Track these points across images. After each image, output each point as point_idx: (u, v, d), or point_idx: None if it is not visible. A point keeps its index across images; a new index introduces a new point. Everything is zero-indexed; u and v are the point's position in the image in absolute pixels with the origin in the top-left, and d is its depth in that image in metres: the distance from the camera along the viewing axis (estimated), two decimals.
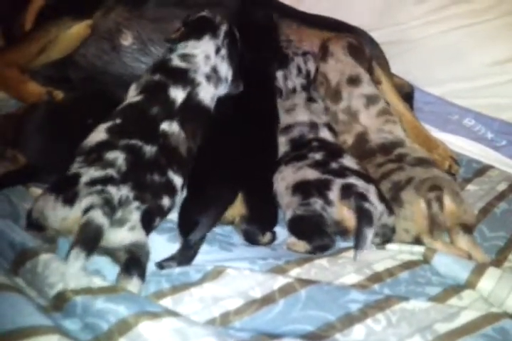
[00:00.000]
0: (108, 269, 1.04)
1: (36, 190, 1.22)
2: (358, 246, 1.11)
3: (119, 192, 1.07)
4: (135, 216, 1.06)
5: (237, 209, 1.17)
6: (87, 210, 1.00)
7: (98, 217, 0.99)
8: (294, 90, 1.56)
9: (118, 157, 1.13)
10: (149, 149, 1.18)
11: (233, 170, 1.23)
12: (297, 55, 1.64)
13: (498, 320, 1.00)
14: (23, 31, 1.66)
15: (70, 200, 1.03)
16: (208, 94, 1.35)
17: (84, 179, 1.07)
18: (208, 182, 1.22)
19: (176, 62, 1.38)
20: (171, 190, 1.17)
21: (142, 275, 1.00)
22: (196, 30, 1.45)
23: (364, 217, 1.13)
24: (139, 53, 1.65)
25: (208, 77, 1.37)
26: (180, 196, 1.21)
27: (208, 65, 1.39)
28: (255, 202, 1.20)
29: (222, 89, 1.42)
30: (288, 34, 1.72)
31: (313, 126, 1.42)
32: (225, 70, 1.42)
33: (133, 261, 1.00)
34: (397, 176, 1.28)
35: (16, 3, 1.71)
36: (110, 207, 1.02)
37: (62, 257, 0.99)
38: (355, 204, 1.15)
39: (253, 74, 1.49)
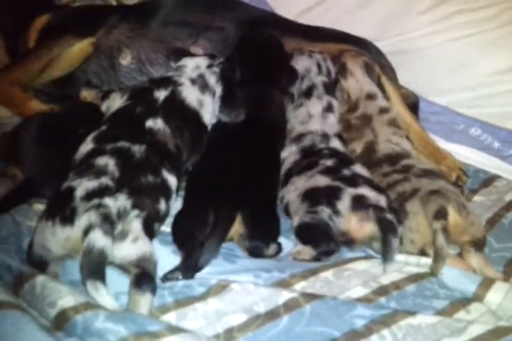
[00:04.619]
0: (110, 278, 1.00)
1: (39, 206, 1.22)
2: (387, 257, 1.11)
3: (117, 202, 1.04)
4: (136, 225, 1.03)
5: (235, 228, 1.16)
6: (86, 231, 0.98)
7: (99, 239, 0.96)
8: (309, 90, 1.52)
9: (108, 163, 1.11)
10: (138, 149, 1.16)
11: (232, 190, 1.21)
12: (314, 52, 1.62)
13: (506, 334, 0.98)
14: (27, 49, 1.67)
15: (69, 218, 1.01)
16: (191, 94, 1.37)
17: (79, 192, 1.05)
18: (207, 202, 1.19)
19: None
20: (166, 191, 1.15)
21: (154, 290, 0.98)
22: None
23: (389, 228, 1.13)
24: (135, 72, 1.66)
25: (193, 81, 1.41)
26: (175, 201, 1.19)
27: (195, 72, 1.43)
28: (254, 219, 1.18)
29: (212, 103, 1.41)
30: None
31: (325, 136, 1.41)
32: (213, 82, 1.44)
33: (144, 277, 0.98)
34: (402, 187, 1.27)
35: (20, 21, 1.72)
36: (109, 222, 1.00)
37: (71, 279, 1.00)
38: (376, 217, 1.15)
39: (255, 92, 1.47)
